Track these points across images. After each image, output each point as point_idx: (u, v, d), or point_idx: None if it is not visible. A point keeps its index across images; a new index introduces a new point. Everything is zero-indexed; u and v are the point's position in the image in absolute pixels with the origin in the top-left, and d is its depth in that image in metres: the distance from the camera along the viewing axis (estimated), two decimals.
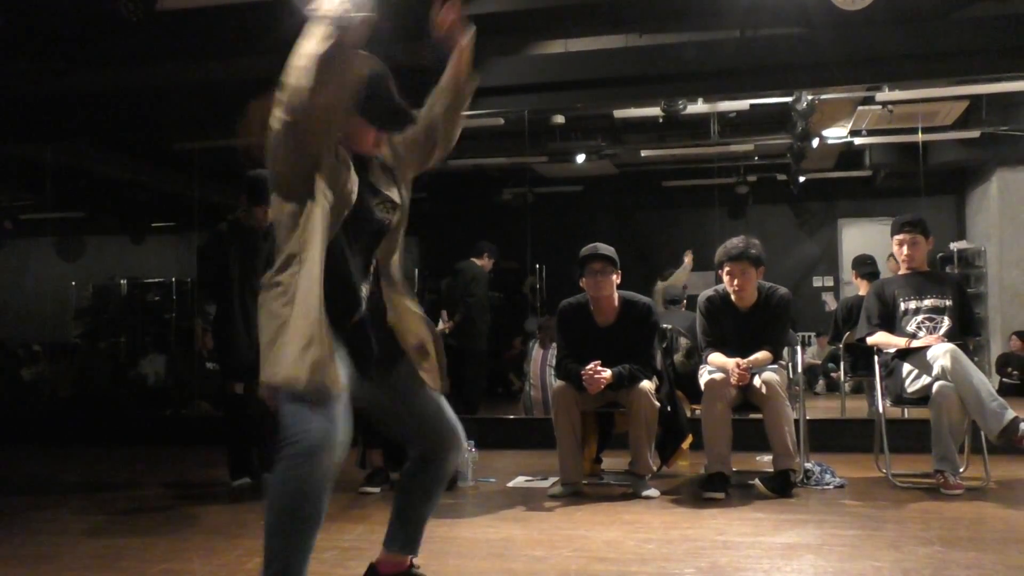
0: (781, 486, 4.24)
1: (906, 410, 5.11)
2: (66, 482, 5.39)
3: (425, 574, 2.59)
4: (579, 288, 4.56)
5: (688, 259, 9.59)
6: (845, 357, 5.57)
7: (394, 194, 2.45)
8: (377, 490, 4.52)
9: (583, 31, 6.92)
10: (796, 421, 4.49)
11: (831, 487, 4.40)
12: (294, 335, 2.13)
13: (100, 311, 11.66)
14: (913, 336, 4.50)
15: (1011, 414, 4.03)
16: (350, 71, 2.23)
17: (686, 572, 2.89)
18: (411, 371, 2.44)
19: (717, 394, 4.31)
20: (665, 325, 4.93)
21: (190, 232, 8.96)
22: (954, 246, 10.35)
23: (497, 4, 6.38)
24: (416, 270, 11.00)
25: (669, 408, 4.56)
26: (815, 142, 9.14)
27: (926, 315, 4.55)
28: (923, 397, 4.35)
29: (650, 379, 4.39)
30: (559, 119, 8.76)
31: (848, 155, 10.39)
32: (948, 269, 9.92)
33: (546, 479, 4.73)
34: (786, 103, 8.13)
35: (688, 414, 4.81)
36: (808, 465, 4.55)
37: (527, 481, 4.79)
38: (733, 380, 4.30)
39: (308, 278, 2.17)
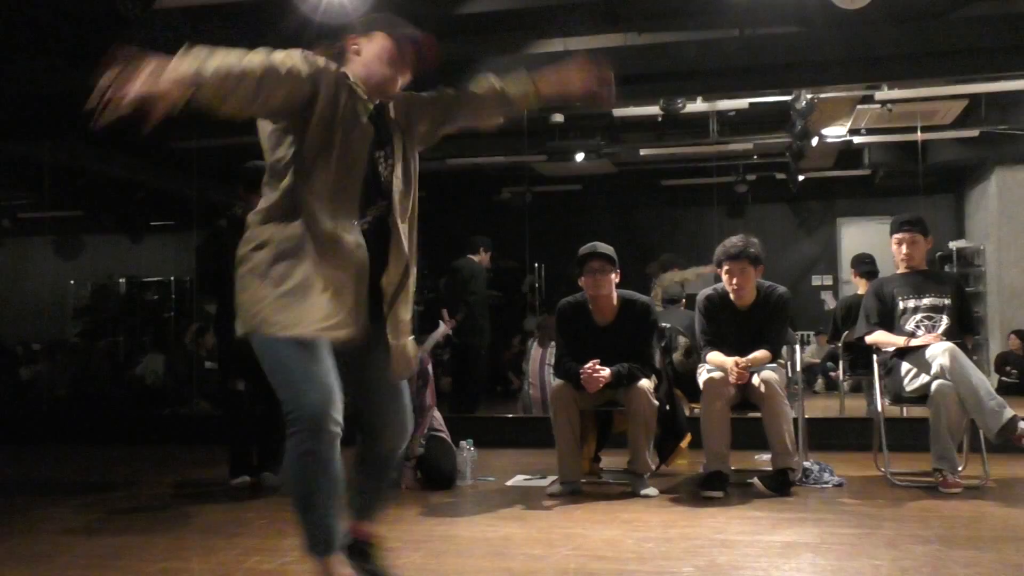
0: (780, 485, 4.24)
1: (905, 409, 5.10)
2: (64, 481, 5.38)
3: (377, 547, 2.57)
4: (578, 287, 4.56)
5: (708, 269, 9.49)
6: (844, 356, 5.57)
7: (398, 148, 2.45)
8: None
9: (582, 30, 6.91)
10: (795, 420, 4.48)
11: (830, 486, 4.40)
12: (276, 281, 2.22)
13: (99, 310, 11.67)
14: (912, 335, 4.49)
15: (1009, 413, 4.03)
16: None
17: (684, 571, 2.89)
18: (383, 350, 2.43)
19: (716, 393, 4.31)
20: (664, 324, 4.93)
21: (189, 231, 8.94)
22: (953, 245, 10.36)
23: (497, 2, 6.37)
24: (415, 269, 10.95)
25: (668, 407, 4.57)
26: (814, 141, 9.12)
27: (925, 314, 4.55)
28: (922, 396, 4.34)
29: (649, 378, 4.38)
30: (558, 118, 8.71)
31: (847, 154, 10.37)
32: (947, 268, 9.93)
33: (545, 478, 4.73)
34: (785, 102, 8.12)
35: (687, 413, 4.82)
36: (807, 464, 4.55)
37: (526, 480, 4.79)
38: (732, 379, 4.30)
39: (293, 222, 2.26)
